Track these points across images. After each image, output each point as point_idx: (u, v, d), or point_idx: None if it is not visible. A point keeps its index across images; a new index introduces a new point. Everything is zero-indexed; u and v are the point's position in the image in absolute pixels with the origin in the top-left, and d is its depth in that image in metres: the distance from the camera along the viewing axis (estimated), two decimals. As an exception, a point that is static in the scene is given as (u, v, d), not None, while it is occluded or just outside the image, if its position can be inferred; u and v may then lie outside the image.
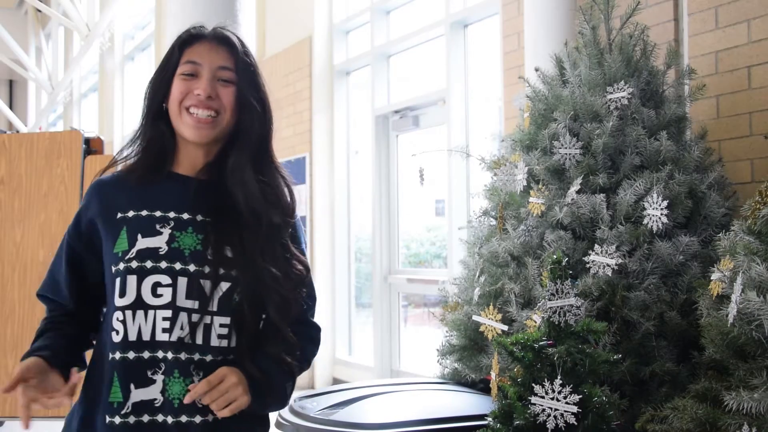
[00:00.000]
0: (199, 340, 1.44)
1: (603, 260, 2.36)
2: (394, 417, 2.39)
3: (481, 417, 2.09)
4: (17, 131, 11.43)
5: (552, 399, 1.73)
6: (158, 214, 1.49)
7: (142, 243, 1.45)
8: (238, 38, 1.57)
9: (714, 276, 2.01)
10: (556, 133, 2.67)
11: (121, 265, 1.45)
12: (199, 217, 1.50)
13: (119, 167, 1.59)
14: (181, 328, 1.43)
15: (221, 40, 1.54)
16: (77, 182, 3.94)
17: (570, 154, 2.61)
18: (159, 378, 1.42)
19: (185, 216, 1.49)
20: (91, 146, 4.11)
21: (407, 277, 5.55)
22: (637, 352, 2.32)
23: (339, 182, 6.29)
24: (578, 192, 2.52)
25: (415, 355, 5.55)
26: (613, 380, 2.26)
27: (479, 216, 2.98)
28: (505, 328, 2.27)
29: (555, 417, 1.72)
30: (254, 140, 1.54)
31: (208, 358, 1.44)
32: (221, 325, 1.46)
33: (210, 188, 1.53)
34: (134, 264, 1.44)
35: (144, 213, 1.49)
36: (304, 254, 1.60)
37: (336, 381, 6.08)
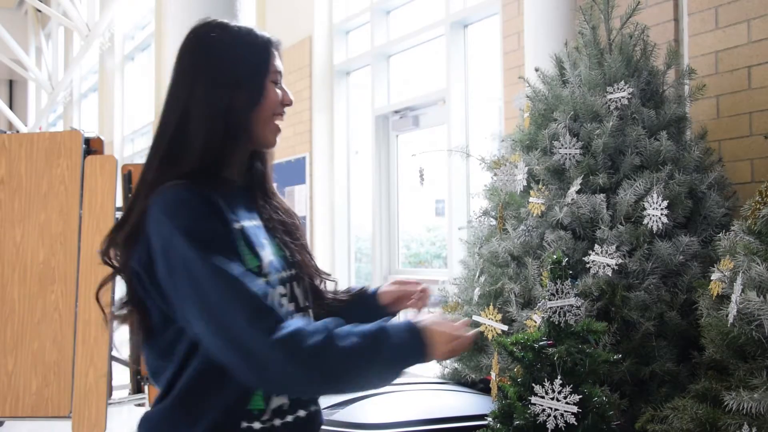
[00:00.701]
0: None
1: (603, 260, 2.36)
2: (394, 417, 2.39)
3: (481, 417, 2.09)
4: (17, 131, 11.43)
5: (552, 399, 1.73)
6: (248, 224, 1.45)
7: (264, 256, 1.42)
8: None
9: (714, 276, 2.01)
10: (556, 133, 2.67)
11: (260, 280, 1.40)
12: (263, 223, 1.51)
13: (172, 179, 1.39)
14: None
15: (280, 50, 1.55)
16: (77, 182, 3.94)
17: (570, 154, 2.61)
18: None
19: (257, 223, 1.49)
20: (91, 146, 4.11)
21: (407, 277, 5.54)
22: (637, 352, 2.32)
23: (339, 182, 6.29)
24: (578, 192, 2.52)
25: (415, 355, 5.54)
26: (613, 380, 2.26)
27: (479, 216, 2.98)
28: (505, 328, 2.27)
29: (555, 417, 1.72)
30: None
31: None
32: (313, 316, 1.54)
33: (252, 193, 1.54)
34: (271, 278, 1.41)
35: (246, 224, 1.43)
36: None
37: (336, 381, 6.07)
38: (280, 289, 1.44)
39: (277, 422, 1.41)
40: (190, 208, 1.33)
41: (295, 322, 1.30)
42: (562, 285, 1.69)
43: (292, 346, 1.26)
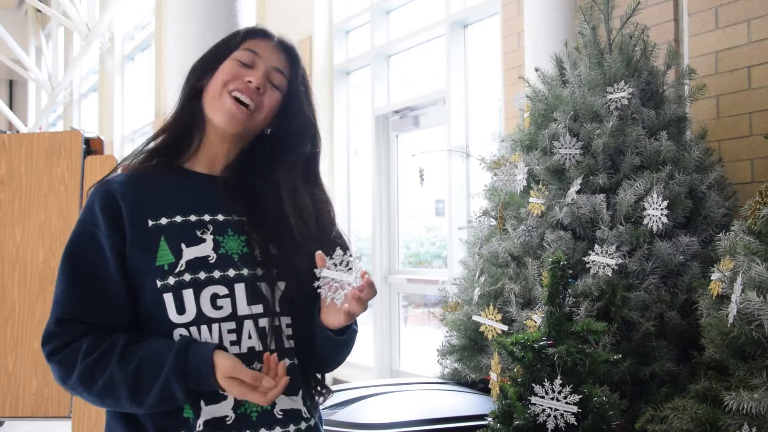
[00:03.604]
0: (272, 346, 1.36)
1: (603, 260, 2.36)
2: (395, 417, 2.40)
3: (481, 417, 2.09)
4: (17, 131, 11.43)
5: (552, 399, 1.73)
6: (193, 218, 1.37)
7: (189, 253, 1.34)
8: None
9: (714, 276, 2.01)
10: (556, 133, 2.67)
11: (171, 279, 1.32)
12: (235, 217, 1.41)
13: (119, 170, 1.46)
14: (249, 337, 1.34)
15: (286, 47, 1.49)
16: (77, 182, 3.94)
17: (570, 154, 2.61)
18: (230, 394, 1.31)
19: (220, 218, 1.40)
20: (91, 146, 4.11)
21: (407, 277, 5.55)
22: (637, 352, 2.32)
23: (339, 182, 6.29)
24: (578, 192, 2.52)
25: (415, 355, 5.55)
26: (613, 380, 2.26)
27: (479, 216, 2.98)
28: (505, 328, 2.27)
29: (555, 417, 1.72)
30: (307, 157, 1.48)
31: (286, 362, 1.34)
32: (287, 326, 1.39)
33: (237, 186, 1.44)
34: (187, 277, 1.32)
35: (178, 219, 1.37)
36: None
37: (336, 381, 6.07)
38: (218, 289, 1.34)
39: None
40: (100, 197, 1.38)
41: (82, 342, 1.30)
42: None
43: (66, 369, 1.31)
